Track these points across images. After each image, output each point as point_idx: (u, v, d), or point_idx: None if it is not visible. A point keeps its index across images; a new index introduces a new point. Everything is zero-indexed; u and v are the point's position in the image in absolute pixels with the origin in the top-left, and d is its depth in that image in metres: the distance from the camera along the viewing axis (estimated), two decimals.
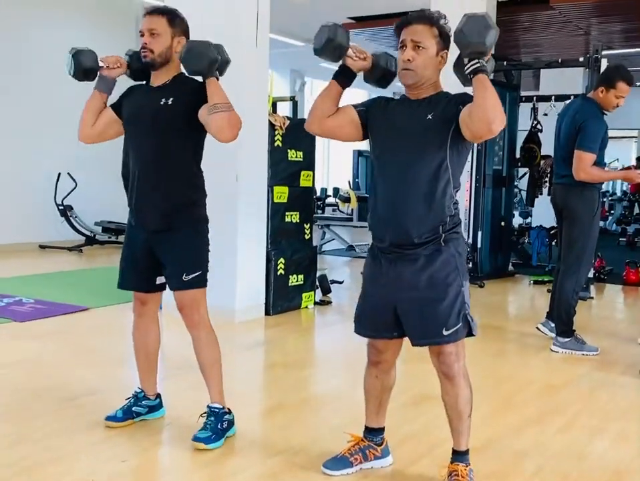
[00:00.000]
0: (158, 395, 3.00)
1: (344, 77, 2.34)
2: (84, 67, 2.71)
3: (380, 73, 2.35)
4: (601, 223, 11.57)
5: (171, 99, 2.64)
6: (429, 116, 2.20)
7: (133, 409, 2.91)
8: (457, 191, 2.28)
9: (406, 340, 2.34)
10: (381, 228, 2.28)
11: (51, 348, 4.12)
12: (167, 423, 2.97)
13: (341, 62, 2.34)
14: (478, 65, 2.06)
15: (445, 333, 2.22)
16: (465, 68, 2.09)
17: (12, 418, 2.95)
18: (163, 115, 2.64)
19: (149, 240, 2.73)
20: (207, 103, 2.56)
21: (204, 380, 2.79)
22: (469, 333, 2.28)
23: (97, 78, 2.77)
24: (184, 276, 2.68)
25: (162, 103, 2.64)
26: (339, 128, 2.37)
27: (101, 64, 2.73)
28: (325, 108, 2.35)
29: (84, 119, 2.79)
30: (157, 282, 2.83)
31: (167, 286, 2.81)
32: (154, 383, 2.97)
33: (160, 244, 2.72)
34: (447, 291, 2.22)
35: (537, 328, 4.60)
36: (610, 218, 12.78)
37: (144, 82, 2.80)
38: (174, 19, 2.68)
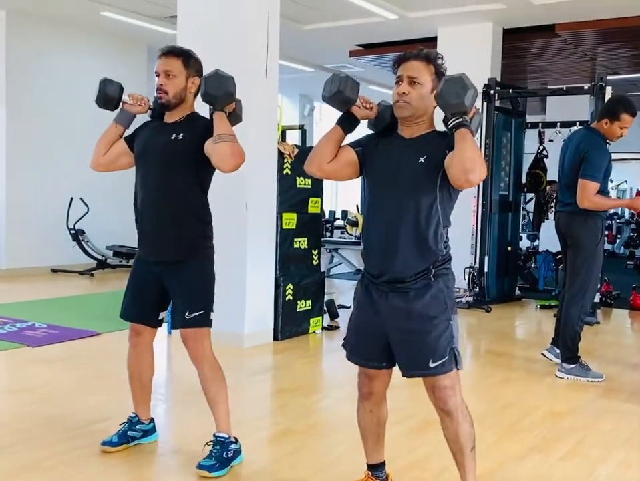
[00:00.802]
0: (152, 420, 3.06)
1: (348, 123, 2.40)
2: (108, 95, 2.83)
3: (383, 123, 2.40)
4: (609, 246, 11.67)
5: (182, 134, 2.73)
6: (421, 159, 2.25)
7: (128, 433, 2.97)
8: (447, 229, 2.33)
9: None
10: (374, 265, 2.34)
11: (63, 373, 4.19)
12: (176, 449, 3.04)
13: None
14: (459, 120, 2.15)
15: (431, 365, 2.24)
16: (447, 124, 2.18)
17: (23, 446, 3.00)
18: (173, 149, 2.73)
19: (156, 273, 2.80)
20: (213, 136, 2.65)
21: (211, 410, 2.84)
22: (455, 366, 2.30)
23: (118, 111, 2.88)
24: (186, 314, 2.74)
25: (172, 138, 2.74)
26: (338, 171, 2.42)
27: (125, 98, 2.85)
28: (326, 153, 2.39)
29: (97, 148, 2.90)
30: (160, 317, 2.91)
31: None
32: (148, 408, 3.04)
33: (167, 278, 2.79)
34: (435, 324, 2.26)
35: (542, 354, 4.64)
36: (618, 241, 12.79)
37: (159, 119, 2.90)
38: (189, 60, 2.77)
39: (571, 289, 4.32)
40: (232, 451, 2.80)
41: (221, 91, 2.63)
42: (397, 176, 2.28)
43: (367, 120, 2.44)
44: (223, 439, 2.80)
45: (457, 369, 2.31)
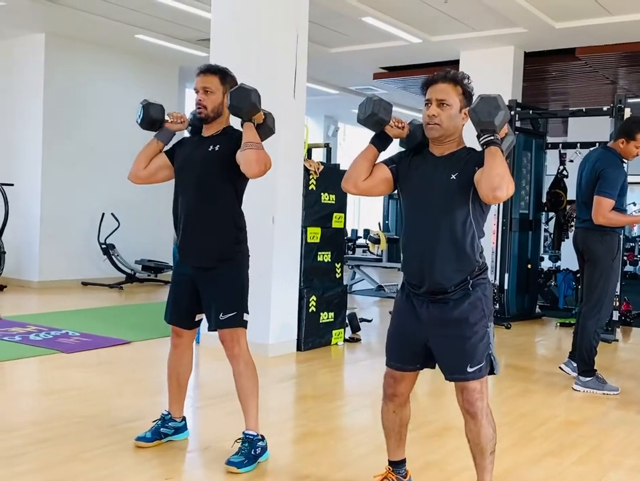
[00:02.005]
0: (184, 418, 3.23)
1: (381, 142, 2.55)
2: (152, 118, 3.04)
3: (415, 142, 2.54)
4: (630, 268, 11.64)
5: (218, 145, 2.94)
6: (453, 176, 2.36)
7: (161, 430, 3.14)
8: (481, 239, 2.45)
9: (425, 374, 2.51)
10: (415, 279, 2.46)
11: (97, 378, 4.39)
12: (205, 446, 3.20)
13: None
14: (490, 138, 2.28)
15: (469, 369, 2.36)
16: (479, 141, 2.31)
17: (62, 440, 3.18)
18: (210, 160, 2.93)
19: (193, 278, 2.99)
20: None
21: (242, 407, 3.00)
22: (491, 372, 2.44)
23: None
24: (220, 315, 2.93)
25: (209, 149, 2.95)
26: (373, 188, 2.54)
27: (166, 117, 3.06)
28: (362, 171, 2.51)
29: (137, 162, 3.08)
30: (196, 318, 3.10)
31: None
32: (181, 407, 3.21)
33: (202, 282, 2.97)
34: (475, 331, 2.38)
35: (560, 368, 4.75)
36: None
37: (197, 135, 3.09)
38: (225, 77, 2.98)
39: (588, 303, 4.44)
40: (259, 449, 2.95)
41: (244, 102, 2.81)
42: (431, 193, 2.40)
43: (399, 139, 2.58)
44: (252, 437, 2.95)
45: (495, 374, 2.43)
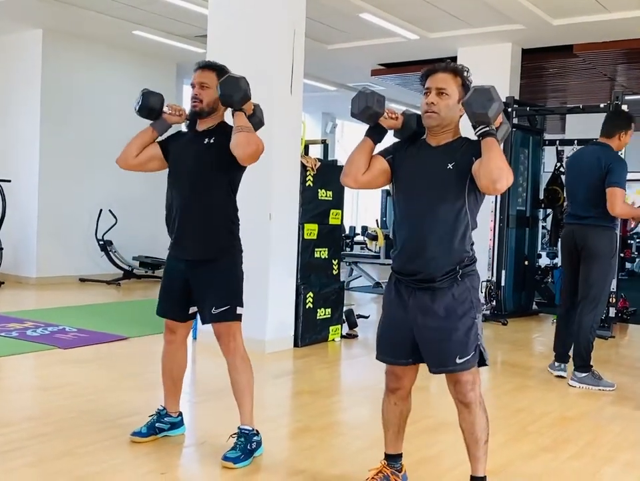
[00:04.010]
0: (180, 414, 3.23)
1: (377, 134, 2.55)
2: (151, 106, 3.02)
3: (409, 132, 2.55)
4: (628, 265, 11.67)
5: (213, 138, 2.95)
6: (450, 166, 2.37)
7: (157, 425, 3.15)
8: (473, 230, 2.46)
9: (423, 368, 2.53)
10: (405, 266, 2.46)
11: (93, 373, 4.39)
12: (201, 442, 3.21)
13: None
14: (486, 129, 2.29)
15: (458, 360, 2.37)
16: (475, 132, 2.32)
17: (58, 435, 3.18)
18: (205, 153, 2.94)
19: (186, 271, 2.99)
20: None
21: (237, 402, 3.00)
22: (483, 363, 2.45)
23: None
24: (213, 309, 2.93)
25: (204, 143, 2.95)
26: (373, 180, 2.55)
27: (165, 108, 3.05)
28: (360, 165, 2.51)
29: (129, 148, 3.04)
30: (190, 311, 3.09)
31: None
32: (177, 402, 3.22)
33: (195, 276, 2.97)
34: (462, 321, 2.39)
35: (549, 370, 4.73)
36: (638, 260, 12.77)
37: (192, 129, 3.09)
38: (223, 74, 2.98)
39: (585, 300, 4.45)
40: (254, 443, 2.96)
41: (235, 90, 2.82)
42: (427, 182, 2.41)
43: (394, 131, 2.58)
44: (247, 432, 2.96)
45: (486, 365, 2.44)
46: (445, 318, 2.39)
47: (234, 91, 2.83)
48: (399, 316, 2.48)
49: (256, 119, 3.00)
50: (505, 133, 2.45)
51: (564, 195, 7.60)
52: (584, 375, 4.40)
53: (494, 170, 2.23)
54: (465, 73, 2.44)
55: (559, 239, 7.82)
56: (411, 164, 2.48)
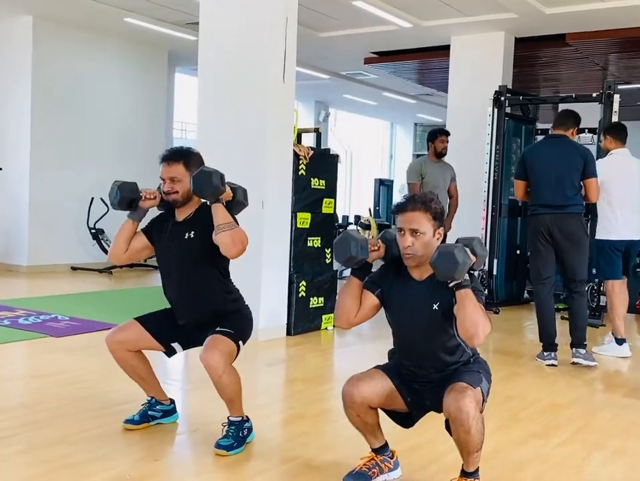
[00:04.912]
0: (172, 401, 3.24)
1: (362, 272, 2.57)
2: (130, 198, 2.98)
3: (393, 256, 2.57)
4: None
5: (193, 232, 2.93)
6: (435, 306, 2.43)
7: (149, 413, 3.16)
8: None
9: None
10: (411, 375, 2.57)
11: (86, 361, 4.39)
12: (194, 429, 3.22)
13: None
14: (457, 282, 2.33)
15: (463, 380, 2.39)
16: (448, 283, 2.35)
17: (51, 423, 3.19)
18: (187, 249, 2.94)
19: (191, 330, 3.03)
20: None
21: (225, 403, 2.95)
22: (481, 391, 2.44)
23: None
24: (217, 328, 2.90)
25: (185, 237, 2.93)
26: (365, 317, 2.58)
27: (140, 195, 3.00)
28: (352, 308, 2.55)
29: (117, 244, 3.04)
30: (170, 343, 3.07)
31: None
32: (160, 391, 3.21)
33: (201, 330, 2.95)
34: (465, 372, 2.47)
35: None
36: None
37: (170, 215, 3.05)
38: (189, 161, 2.94)
39: (579, 283, 4.69)
40: (246, 430, 2.97)
41: (206, 186, 2.79)
42: (414, 321, 2.50)
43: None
44: (237, 421, 2.96)
45: (482, 408, 2.42)
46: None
47: (205, 186, 2.79)
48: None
49: (237, 203, 2.99)
50: (482, 262, 2.48)
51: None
52: (585, 351, 4.59)
53: (469, 328, 2.30)
54: (433, 205, 2.46)
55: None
56: (398, 302, 2.54)
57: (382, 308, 2.60)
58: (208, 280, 2.96)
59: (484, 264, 7.09)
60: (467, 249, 2.34)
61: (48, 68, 8.52)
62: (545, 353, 4.73)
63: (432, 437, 3.19)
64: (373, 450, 2.68)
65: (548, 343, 4.73)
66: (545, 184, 4.70)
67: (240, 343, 2.93)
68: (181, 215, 3.01)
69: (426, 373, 2.54)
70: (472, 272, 2.39)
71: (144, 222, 3.11)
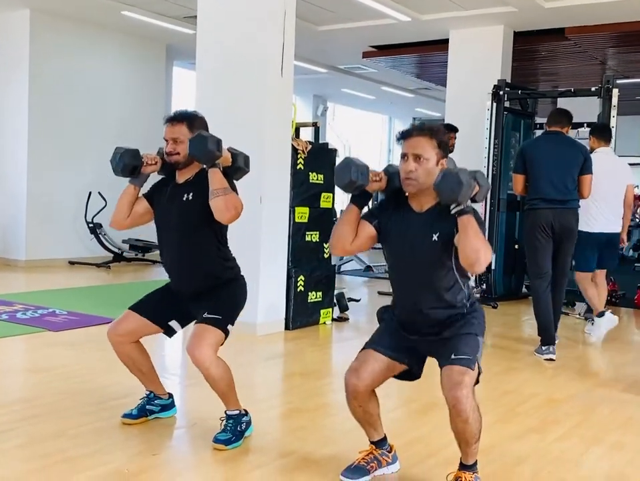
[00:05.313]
0: (170, 395, 3.24)
1: (361, 200, 2.54)
2: (132, 165, 2.97)
3: (393, 188, 2.54)
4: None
5: (191, 194, 2.91)
6: (434, 237, 2.39)
7: (147, 407, 3.16)
8: (467, 282, 2.50)
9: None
10: (407, 324, 2.54)
11: (84, 356, 4.39)
12: (192, 423, 3.23)
13: None
14: (459, 208, 2.30)
15: (453, 357, 2.37)
16: (450, 210, 2.33)
17: (49, 417, 3.19)
18: (186, 210, 2.92)
19: (188, 297, 3.00)
20: None
21: (220, 398, 2.95)
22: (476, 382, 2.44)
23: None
24: (205, 314, 2.89)
25: (184, 199, 2.92)
26: (361, 246, 2.57)
27: (142, 160, 2.98)
28: (348, 235, 2.52)
29: (119, 210, 3.03)
30: (169, 323, 3.05)
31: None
32: (159, 385, 3.21)
33: (198, 298, 2.96)
34: (463, 335, 2.45)
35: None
36: (627, 244, 12.86)
37: (171, 178, 3.04)
38: (193, 122, 2.93)
39: (565, 276, 4.88)
40: (244, 424, 2.97)
41: (201, 151, 2.77)
42: (413, 253, 2.45)
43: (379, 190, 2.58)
44: (235, 415, 2.96)
45: (478, 379, 2.43)
46: (448, 339, 2.46)
47: (200, 151, 2.77)
48: (400, 337, 2.55)
49: (237, 169, 2.96)
50: (485, 193, 2.47)
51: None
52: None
53: (470, 255, 2.27)
54: (440, 134, 2.44)
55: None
56: (396, 233, 2.50)
57: (379, 241, 2.57)
58: (206, 244, 2.94)
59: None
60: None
61: (45, 62, 8.49)
62: (543, 348, 4.74)
63: (430, 431, 3.21)
64: (372, 443, 2.68)
65: (546, 337, 4.74)
66: (545, 178, 4.71)
67: (229, 326, 2.92)
68: (182, 177, 2.99)
69: (423, 320, 2.49)
70: (475, 202, 2.36)
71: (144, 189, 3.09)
